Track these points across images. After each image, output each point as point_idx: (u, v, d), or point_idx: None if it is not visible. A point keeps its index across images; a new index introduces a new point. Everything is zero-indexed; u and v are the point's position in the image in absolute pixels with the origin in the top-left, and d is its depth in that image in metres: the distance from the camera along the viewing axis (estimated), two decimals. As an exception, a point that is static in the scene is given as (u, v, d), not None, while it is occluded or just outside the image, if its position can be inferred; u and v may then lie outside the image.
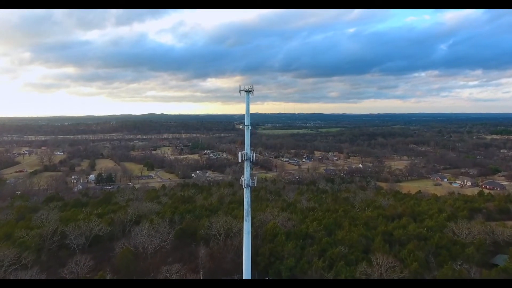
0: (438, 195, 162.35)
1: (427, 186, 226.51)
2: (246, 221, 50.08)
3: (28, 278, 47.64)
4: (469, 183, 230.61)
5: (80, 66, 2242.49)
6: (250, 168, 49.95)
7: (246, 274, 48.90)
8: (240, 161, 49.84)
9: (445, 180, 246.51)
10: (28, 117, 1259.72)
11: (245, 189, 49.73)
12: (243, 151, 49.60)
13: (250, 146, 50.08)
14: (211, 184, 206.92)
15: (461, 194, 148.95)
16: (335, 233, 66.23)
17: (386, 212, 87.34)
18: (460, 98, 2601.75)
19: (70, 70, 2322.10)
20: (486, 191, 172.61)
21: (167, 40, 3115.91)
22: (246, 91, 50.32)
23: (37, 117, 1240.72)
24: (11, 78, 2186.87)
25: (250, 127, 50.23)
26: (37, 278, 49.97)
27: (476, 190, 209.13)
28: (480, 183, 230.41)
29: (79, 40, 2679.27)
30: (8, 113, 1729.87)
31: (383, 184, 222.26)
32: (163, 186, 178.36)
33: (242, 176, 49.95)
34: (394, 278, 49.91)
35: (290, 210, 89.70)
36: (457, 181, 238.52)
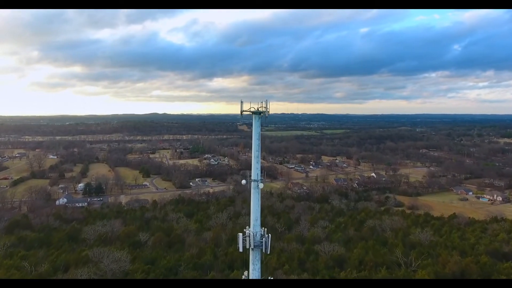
0: (476, 218, 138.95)
1: (453, 201, 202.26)
2: None
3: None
4: (499, 198, 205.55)
5: (88, 65, 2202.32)
6: (260, 262, 25.89)
7: None
8: (240, 250, 25.04)
9: (471, 193, 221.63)
10: (31, 116, 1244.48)
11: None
12: (247, 230, 24.56)
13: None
14: (209, 198, 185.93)
15: (507, 220, 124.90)
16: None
17: (443, 267, 63.64)
18: (467, 99, 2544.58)
19: (78, 69, 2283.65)
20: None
21: (178, 39, 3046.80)
22: (254, 113, 24.57)
23: (40, 116, 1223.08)
24: (18, 77, 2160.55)
25: (262, 183, 25.78)
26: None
27: (510, 207, 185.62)
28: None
29: (89, 39, 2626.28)
30: (11, 112, 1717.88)
31: (403, 199, 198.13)
32: (154, 203, 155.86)
33: (244, 275, 26.18)
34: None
35: (310, 261, 66.18)
36: (485, 196, 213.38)
